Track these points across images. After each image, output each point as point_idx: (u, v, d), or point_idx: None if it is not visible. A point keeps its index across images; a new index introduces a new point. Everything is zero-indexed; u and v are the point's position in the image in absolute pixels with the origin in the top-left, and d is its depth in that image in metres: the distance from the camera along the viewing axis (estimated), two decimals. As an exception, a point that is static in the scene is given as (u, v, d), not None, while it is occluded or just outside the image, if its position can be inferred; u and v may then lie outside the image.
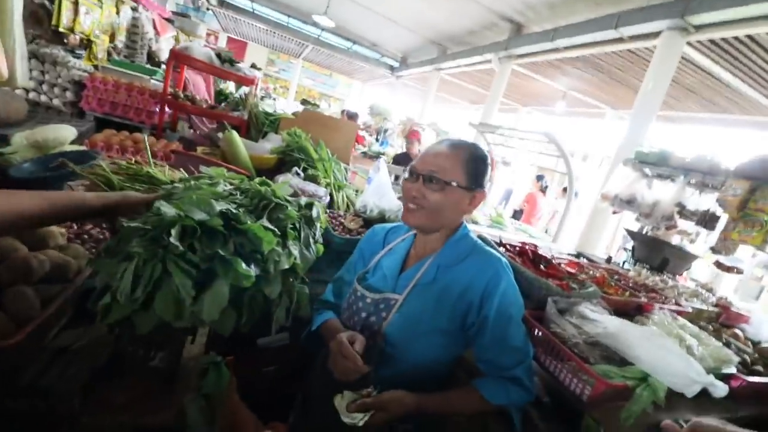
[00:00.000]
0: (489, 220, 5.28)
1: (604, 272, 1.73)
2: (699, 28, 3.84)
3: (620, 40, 4.57)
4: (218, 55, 2.80)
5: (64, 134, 1.90)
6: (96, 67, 2.74)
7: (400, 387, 0.93)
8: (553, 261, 1.34)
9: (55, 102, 2.58)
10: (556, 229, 4.43)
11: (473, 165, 0.99)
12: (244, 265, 0.72)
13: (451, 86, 11.08)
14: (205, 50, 2.74)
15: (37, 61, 2.42)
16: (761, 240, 2.06)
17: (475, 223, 4.50)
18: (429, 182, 0.97)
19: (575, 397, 0.95)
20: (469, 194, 0.99)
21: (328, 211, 2.22)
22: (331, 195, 2.37)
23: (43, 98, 2.57)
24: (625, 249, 2.66)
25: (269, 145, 2.64)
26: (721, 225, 2.35)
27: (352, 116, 8.10)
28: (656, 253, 2.22)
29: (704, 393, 0.99)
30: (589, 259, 2.12)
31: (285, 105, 10.97)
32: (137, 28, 3.22)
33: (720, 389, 0.91)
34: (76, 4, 2.32)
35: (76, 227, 1.31)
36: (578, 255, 2.25)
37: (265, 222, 0.85)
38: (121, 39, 2.98)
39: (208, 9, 9.56)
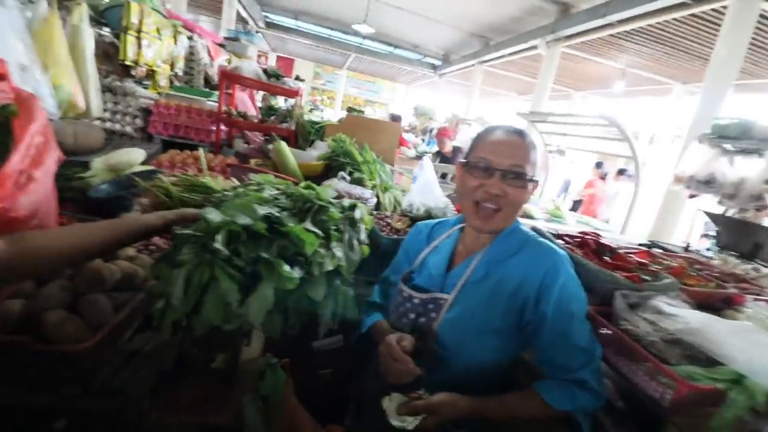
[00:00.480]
0: (546, 214, 4.98)
1: (683, 262, 1.55)
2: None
3: (684, 5, 4.12)
4: (264, 71, 2.94)
5: (134, 157, 2.09)
6: (159, 94, 3.00)
7: (454, 390, 0.88)
8: (620, 251, 1.22)
9: (127, 129, 2.86)
10: (625, 217, 4.07)
11: (535, 153, 0.93)
12: (287, 267, 0.73)
13: (497, 78, 10.72)
14: (253, 68, 2.89)
15: (111, 93, 2.71)
16: None
17: (531, 218, 4.26)
18: (512, 178, 0.90)
19: (654, 402, 0.84)
20: (532, 184, 0.93)
21: (375, 212, 2.22)
22: (377, 197, 2.38)
23: (117, 126, 2.86)
24: (707, 236, 2.36)
25: (316, 152, 2.71)
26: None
27: (396, 118, 8.12)
28: (746, 237, 1.95)
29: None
30: (664, 249, 1.91)
31: (332, 114, 11.30)
32: (194, 56, 3.49)
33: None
34: (138, 38, 2.55)
35: (144, 240, 1.42)
36: (651, 244, 2.04)
37: (308, 224, 0.86)
38: (180, 66, 3.24)
39: (257, 32, 10.14)
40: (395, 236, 1.69)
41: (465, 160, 0.98)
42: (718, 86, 3.82)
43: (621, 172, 6.82)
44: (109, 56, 2.59)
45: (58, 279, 0.90)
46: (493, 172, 0.90)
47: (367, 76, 16.83)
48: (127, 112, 2.80)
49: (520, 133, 0.94)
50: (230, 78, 2.82)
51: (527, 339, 0.94)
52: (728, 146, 2.59)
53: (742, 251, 1.93)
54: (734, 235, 2.04)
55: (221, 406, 0.96)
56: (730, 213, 2.54)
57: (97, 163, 1.90)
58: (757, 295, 1.31)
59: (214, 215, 0.72)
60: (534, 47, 6.90)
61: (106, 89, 2.69)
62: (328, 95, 16.68)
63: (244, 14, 9.24)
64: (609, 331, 0.98)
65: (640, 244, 2.13)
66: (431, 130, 8.58)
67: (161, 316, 0.68)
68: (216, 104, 3.19)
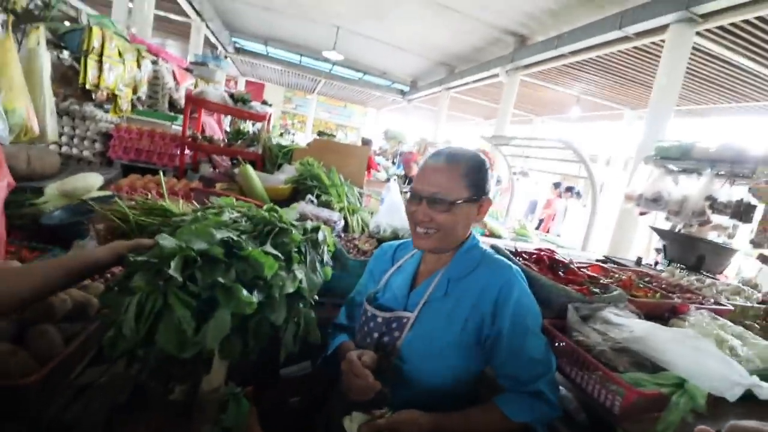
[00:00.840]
0: (513, 233, 5.15)
1: (633, 275, 1.64)
2: (706, 16, 3.75)
3: (627, 38, 4.51)
4: (231, 96, 2.95)
5: (91, 182, 2.02)
6: (121, 117, 2.94)
7: (418, 408, 0.89)
8: (573, 266, 1.28)
9: (85, 153, 2.76)
10: (584, 233, 4.28)
11: (474, 175, 0.96)
12: (245, 292, 0.73)
13: (463, 104, 11.17)
14: (219, 92, 2.89)
15: (68, 117, 2.63)
16: (805, 228, 1.92)
17: (498, 237, 4.40)
18: (434, 204, 0.94)
19: (606, 410, 0.88)
20: (476, 205, 0.97)
21: (343, 234, 2.23)
22: (345, 219, 2.40)
23: (74, 151, 2.77)
24: (657, 250, 2.52)
25: (283, 176, 2.71)
26: (758, 215, 2.21)
27: (366, 142, 8.28)
28: (690, 251, 2.09)
29: (754, 397, 0.90)
30: (617, 263, 2.02)
31: (303, 138, 11.36)
32: (158, 80, 3.46)
33: (766, 390, 0.82)
34: (100, 62, 2.51)
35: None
36: (606, 260, 2.15)
37: (267, 247, 0.86)
38: (143, 90, 3.19)
39: (226, 57, 10.16)
40: (362, 258, 1.70)
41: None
42: (660, 111, 4.16)
43: (569, 189, 7.23)
44: (68, 79, 2.52)
45: (0, 310, 0.86)
46: (420, 199, 0.95)
47: (338, 101, 17.10)
48: (85, 136, 2.72)
49: (448, 159, 0.96)
50: (195, 102, 2.81)
51: (487, 354, 0.97)
52: (672, 167, 2.81)
53: (687, 264, 2.07)
54: (680, 248, 2.19)
55: (178, 441, 0.92)
56: (678, 228, 2.73)
57: (51, 188, 1.83)
58: (700, 304, 1.40)
59: (167, 241, 0.71)
60: (495, 75, 7.29)
61: (63, 113, 2.60)
62: (299, 119, 16.75)
63: (213, 39, 9.26)
64: (564, 344, 1.02)
65: (597, 260, 2.25)
66: (401, 154, 8.77)
67: (112, 346, 0.65)
68: (181, 128, 3.15)
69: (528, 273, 1.14)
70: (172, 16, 7.75)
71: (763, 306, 1.60)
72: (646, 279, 1.65)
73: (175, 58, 4.01)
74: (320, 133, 10.55)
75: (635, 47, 4.75)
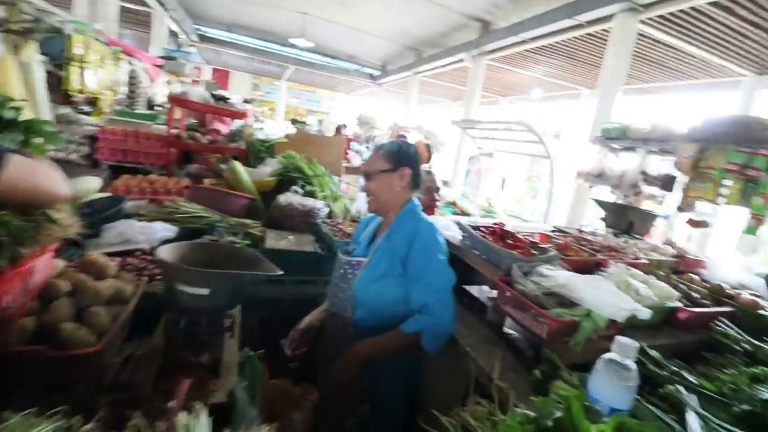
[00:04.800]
0: (482, 211, 5.56)
1: (572, 240, 2.00)
2: (647, 6, 4.14)
3: (579, 26, 4.87)
4: (213, 96, 3.09)
5: (92, 185, 2.18)
6: (105, 120, 3.03)
7: (376, 328, 1.31)
8: (518, 235, 1.61)
9: (72, 156, 2.87)
10: (545, 209, 4.71)
11: (391, 154, 1.40)
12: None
13: (432, 87, 11.40)
14: (200, 92, 3.03)
15: (58, 123, 2.72)
16: (713, 194, 2.32)
17: (468, 214, 4.77)
18: (368, 179, 1.41)
19: (538, 337, 1.21)
20: (395, 174, 1.38)
21: (328, 220, 2.50)
22: (329, 206, 2.65)
23: (60, 155, 2.86)
24: (602, 219, 2.91)
25: (268, 169, 2.92)
26: (679, 186, 2.62)
27: (339, 127, 8.42)
28: (622, 217, 2.49)
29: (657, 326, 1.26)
30: (564, 231, 2.38)
31: (274, 126, 11.32)
32: (134, 80, 3.53)
33: (644, 313, 1.17)
34: (82, 68, 2.61)
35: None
36: (555, 229, 2.51)
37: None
38: (123, 90, 3.27)
39: (190, 45, 9.91)
40: (347, 239, 1.98)
41: None
42: (609, 91, 4.57)
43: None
44: (50, 86, 2.61)
45: (61, 296, 1.07)
46: (365, 177, 1.45)
47: (307, 86, 16.93)
48: (72, 140, 2.82)
49: (376, 148, 1.48)
50: (179, 103, 2.94)
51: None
52: (614, 145, 3.20)
53: (621, 229, 2.47)
54: (614, 216, 2.58)
55: (213, 391, 1.18)
56: (618, 200, 3.14)
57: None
58: (620, 259, 1.76)
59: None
60: (461, 60, 7.56)
61: (56, 120, 2.70)
62: (269, 106, 16.52)
63: (174, 28, 9.03)
64: (508, 293, 1.34)
65: (550, 230, 2.61)
66: (374, 138, 8.97)
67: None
68: (163, 126, 3.26)
69: (483, 242, 1.45)
70: (132, 6, 7.51)
71: (673, 259, 1.99)
72: (584, 242, 2.01)
73: (148, 57, 4.05)
74: (293, 121, 10.56)
75: (588, 33, 5.12)
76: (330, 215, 2.62)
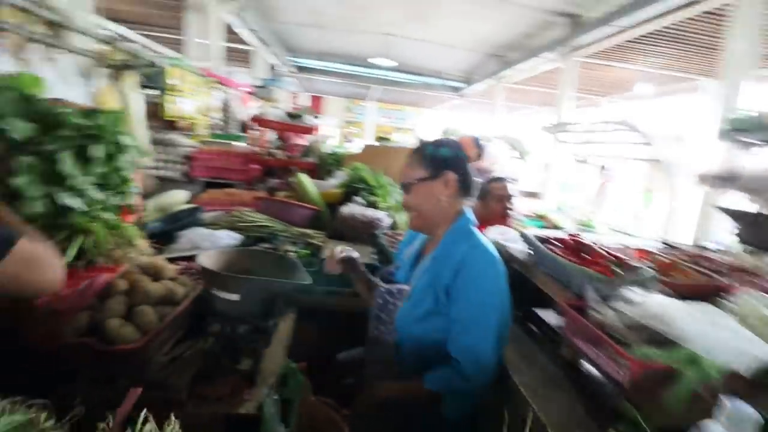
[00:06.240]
0: (578, 225, 4.91)
1: (685, 257, 1.58)
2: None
3: (692, 3, 4.08)
4: (288, 114, 3.30)
5: (179, 198, 2.45)
6: (201, 142, 3.44)
7: (419, 368, 1.09)
8: (598, 249, 1.29)
9: (173, 174, 3.29)
10: (664, 224, 3.94)
11: (430, 156, 1.13)
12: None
13: (519, 93, 10.73)
14: (277, 112, 3.24)
15: (159, 145, 3.16)
16: None
17: (559, 229, 4.23)
18: (407, 192, 1.16)
19: (617, 384, 0.92)
20: (438, 181, 1.12)
21: (389, 231, 2.41)
22: (393, 217, 2.56)
23: (161, 172, 3.31)
24: (737, 234, 2.29)
25: (335, 181, 2.97)
26: None
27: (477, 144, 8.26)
28: (761, 230, 1.90)
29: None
30: (673, 247, 1.91)
31: (360, 144, 11.76)
32: (227, 106, 3.95)
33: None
34: (176, 97, 2.98)
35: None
36: (663, 245, 2.04)
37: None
38: (217, 115, 3.68)
39: (287, 75, 10.93)
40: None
41: None
42: (734, 78, 3.70)
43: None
44: (155, 113, 3.03)
45: (117, 294, 1.14)
46: (402, 188, 1.21)
47: (394, 105, 17.40)
48: (170, 159, 3.23)
49: (413, 150, 1.20)
50: (258, 122, 3.18)
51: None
52: (748, 140, 2.54)
53: (759, 245, 1.89)
54: (751, 229, 2.00)
55: (245, 400, 1.13)
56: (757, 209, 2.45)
57: (150, 204, 2.26)
58: (754, 285, 1.31)
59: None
60: (551, 60, 6.96)
61: (154, 142, 3.13)
62: (360, 127, 17.38)
63: (273, 61, 10.04)
64: (578, 322, 1.07)
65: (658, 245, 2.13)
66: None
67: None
68: (249, 145, 3.56)
69: (549, 255, 1.19)
70: (237, 46, 8.58)
71: None
72: (700, 262, 1.57)
73: (240, 85, 4.52)
74: (380, 139, 10.87)
75: (704, 12, 4.28)
76: (393, 226, 2.53)
